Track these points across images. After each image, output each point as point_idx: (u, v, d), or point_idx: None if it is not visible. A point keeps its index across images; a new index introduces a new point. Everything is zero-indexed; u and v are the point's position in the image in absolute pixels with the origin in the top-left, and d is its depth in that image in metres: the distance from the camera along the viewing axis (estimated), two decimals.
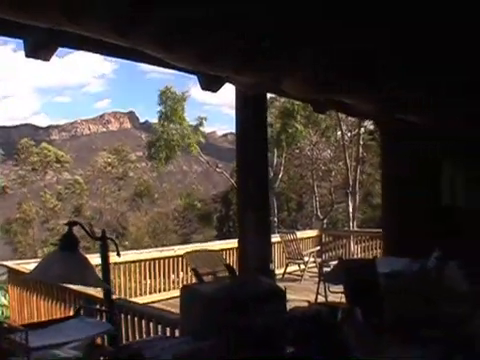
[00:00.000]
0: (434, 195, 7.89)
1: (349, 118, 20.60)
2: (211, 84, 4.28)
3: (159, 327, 6.07)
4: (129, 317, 6.47)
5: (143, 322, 6.30)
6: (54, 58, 3.94)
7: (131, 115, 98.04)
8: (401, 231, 6.89)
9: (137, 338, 6.20)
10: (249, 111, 4.25)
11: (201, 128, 24.10)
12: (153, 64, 3.97)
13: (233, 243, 12.50)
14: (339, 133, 23.47)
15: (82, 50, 4.26)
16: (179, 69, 4.00)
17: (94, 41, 3.09)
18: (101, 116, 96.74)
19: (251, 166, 4.19)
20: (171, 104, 21.96)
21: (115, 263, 11.80)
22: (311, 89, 3.97)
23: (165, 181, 42.55)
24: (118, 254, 3.00)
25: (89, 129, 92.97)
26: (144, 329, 6.30)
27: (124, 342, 5.47)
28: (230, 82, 3.92)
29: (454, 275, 4.10)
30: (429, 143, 7.22)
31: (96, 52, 4.12)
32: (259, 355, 2.97)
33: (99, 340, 3.32)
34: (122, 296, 11.08)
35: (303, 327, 3.84)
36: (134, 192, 43.36)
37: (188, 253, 9.30)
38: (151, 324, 6.19)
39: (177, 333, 4.97)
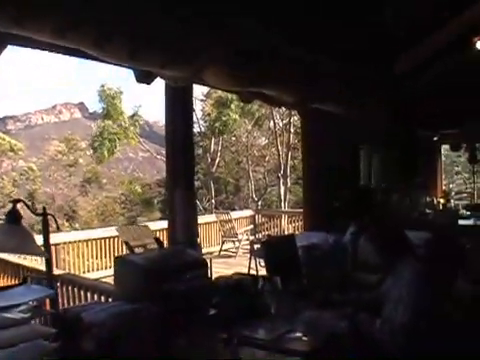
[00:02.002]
0: (352, 176, 8.13)
1: (282, 108, 20.82)
2: (144, 77, 4.37)
3: (95, 296, 6.35)
4: (70, 288, 6.75)
5: (82, 292, 6.56)
6: None
7: (81, 106, 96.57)
8: (320, 209, 7.07)
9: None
10: (177, 101, 4.36)
11: (138, 117, 23.98)
12: (92, 59, 4.03)
13: None
14: (272, 122, 23.72)
15: (29, 47, 4.27)
16: (115, 64, 4.07)
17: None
18: (53, 107, 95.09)
19: (179, 150, 4.32)
20: (110, 100, 21.87)
21: (65, 242, 11.85)
22: (230, 82, 4.12)
23: (113, 167, 42.13)
24: (58, 228, 3.11)
25: (42, 119, 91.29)
26: (83, 298, 6.60)
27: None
28: (159, 76, 4.03)
29: (367, 248, 4.27)
30: (347, 129, 7.44)
31: (42, 49, 4.15)
32: (185, 316, 3.10)
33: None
34: (72, 272, 11.13)
35: (225, 293, 4.01)
36: (83, 178, 42.89)
37: (120, 227, 9.33)
38: (88, 293, 6.49)
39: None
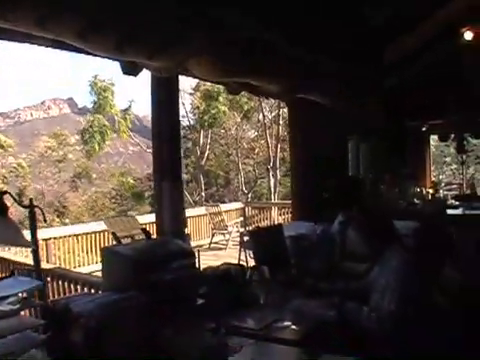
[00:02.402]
0: (340, 166, 8.16)
1: (271, 100, 20.84)
2: (131, 69, 4.37)
3: (86, 289, 6.40)
4: (60, 282, 6.81)
5: (72, 286, 6.60)
6: None
7: (70, 101, 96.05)
8: (308, 200, 7.08)
9: None
10: (162, 92, 4.37)
11: (130, 111, 23.93)
12: (79, 52, 4.03)
13: None
14: (261, 115, 23.73)
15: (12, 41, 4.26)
16: (101, 56, 4.06)
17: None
18: (42, 102, 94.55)
19: (165, 141, 4.33)
20: (101, 93, 21.81)
21: (55, 237, 11.86)
22: (216, 73, 4.13)
23: (103, 162, 42.01)
24: (45, 220, 3.12)
25: (31, 115, 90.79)
26: (73, 291, 6.65)
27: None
28: (145, 67, 4.03)
29: (355, 238, 4.30)
30: (335, 119, 7.46)
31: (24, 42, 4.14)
32: (172, 306, 3.12)
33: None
34: (63, 267, 11.14)
35: (213, 283, 4.03)
36: (73, 174, 42.71)
37: (107, 219, 9.30)
38: (79, 287, 6.54)
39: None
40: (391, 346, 3.55)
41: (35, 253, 3.22)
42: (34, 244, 3.14)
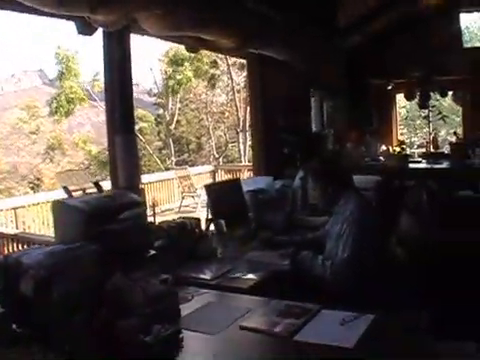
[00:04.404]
0: (303, 123, 8.16)
1: (241, 64, 20.72)
2: (85, 29, 4.31)
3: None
4: (25, 246, 6.86)
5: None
6: None
7: (41, 73, 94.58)
8: (269, 156, 7.09)
9: None
10: (114, 49, 4.33)
11: (98, 79, 23.72)
12: (21, 12, 3.93)
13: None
14: (230, 79, 23.56)
15: None
16: (51, 15, 3.99)
17: None
18: (12, 75, 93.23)
19: (117, 98, 4.30)
20: (66, 62, 21.61)
21: (29, 205, 11.86)
22: (165, 27, 4.11)
23: (74, 132, 41.63)
24: None
25: (2, 89, 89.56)
26: None
27: None
28: (93, 23, 3.99)
29: (313, 189, 4.31)
30: (297, 77, 7.45)
31: None
32: (122, 256, 3.14)
33: None
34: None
35: (169, 235, 4.07)
36: (47, 145, 42.29)
37: (58, 173, 9.13)
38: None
39: None
40: (344, 293, 3.61)
41: None
42: None
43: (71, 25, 4.16)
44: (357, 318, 2.81)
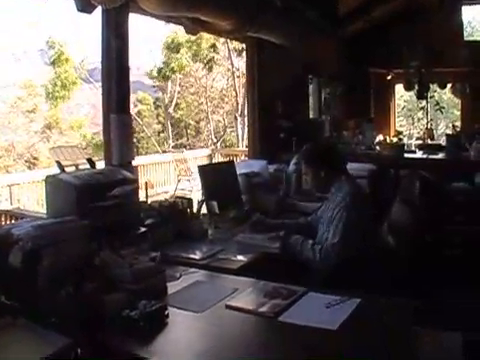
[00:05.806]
0: (300, 109, 8.18)
1: (241, 47, 20.65)
2: (84, 6, 4.31)
3: None
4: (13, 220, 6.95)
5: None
6: None
7: (41, 52, 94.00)
8: (265, 140, 7.09)
9: None
10: (111, 28, 4.32)
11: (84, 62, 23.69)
12: None
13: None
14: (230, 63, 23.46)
15: None
16: None
17: None
18: (12, 54, 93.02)
19: (114, 74, 4.29)
20: (58, 48, 21.49)
21: (24, 183, 11.86)
22: (163, 6, 4.11)
23: (72, 112, 41.53)
24: None
25: (1, 68, 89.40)
26: None
27: None
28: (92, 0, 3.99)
29: (306, 176, 4.32)
30: (296, 63, 7.45)
31: None
32: (113, 233, 3.16)
33: None
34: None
35: (161, 214, 4.08)
36: (44, 124, 42.15)
37: (53, 148, 9.07)
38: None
39: None
40: (332, 277, 3.63)
41: None
42: None
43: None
44: (343, 301, 2.83)
